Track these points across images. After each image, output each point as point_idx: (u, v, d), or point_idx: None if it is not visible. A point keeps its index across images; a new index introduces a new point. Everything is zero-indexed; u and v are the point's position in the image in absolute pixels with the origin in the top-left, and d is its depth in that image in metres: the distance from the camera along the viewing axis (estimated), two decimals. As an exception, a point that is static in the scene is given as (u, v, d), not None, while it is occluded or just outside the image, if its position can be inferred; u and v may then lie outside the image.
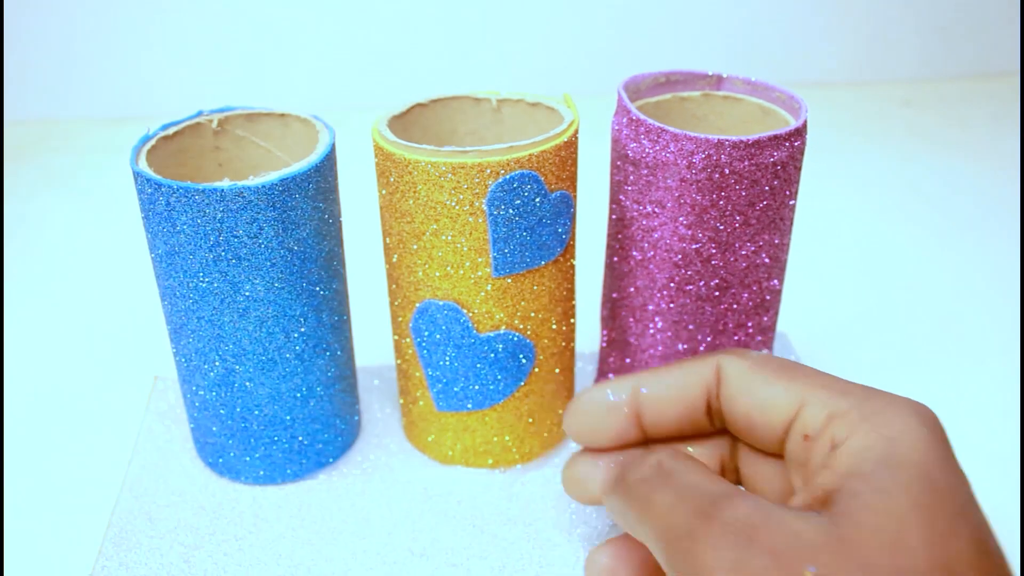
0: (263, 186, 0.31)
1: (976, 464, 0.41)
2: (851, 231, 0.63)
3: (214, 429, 0.37)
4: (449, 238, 0.34)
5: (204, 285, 0.33)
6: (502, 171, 0.32)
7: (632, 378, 0.29)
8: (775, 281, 0.39)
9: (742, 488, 0.25)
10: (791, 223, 0.38)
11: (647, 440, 0.30)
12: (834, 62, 0.87)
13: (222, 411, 0.37)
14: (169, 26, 0.80)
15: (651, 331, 0.39)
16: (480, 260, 0.34)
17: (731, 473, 0.30)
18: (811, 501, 0.23)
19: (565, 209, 0.35)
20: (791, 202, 0.37)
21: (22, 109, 0.82)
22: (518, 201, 0.33)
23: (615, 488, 0.27)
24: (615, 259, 0.39)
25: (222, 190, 0.31)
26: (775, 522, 0.22)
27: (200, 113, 0.37)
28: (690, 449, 0.30)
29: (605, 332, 0.42)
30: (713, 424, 0.29)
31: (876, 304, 0.54)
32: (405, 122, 0.37)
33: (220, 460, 0.39)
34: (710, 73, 0.40)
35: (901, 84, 0.87)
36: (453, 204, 0.33)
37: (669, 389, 0.28)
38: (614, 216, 0.39)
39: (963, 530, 0.22)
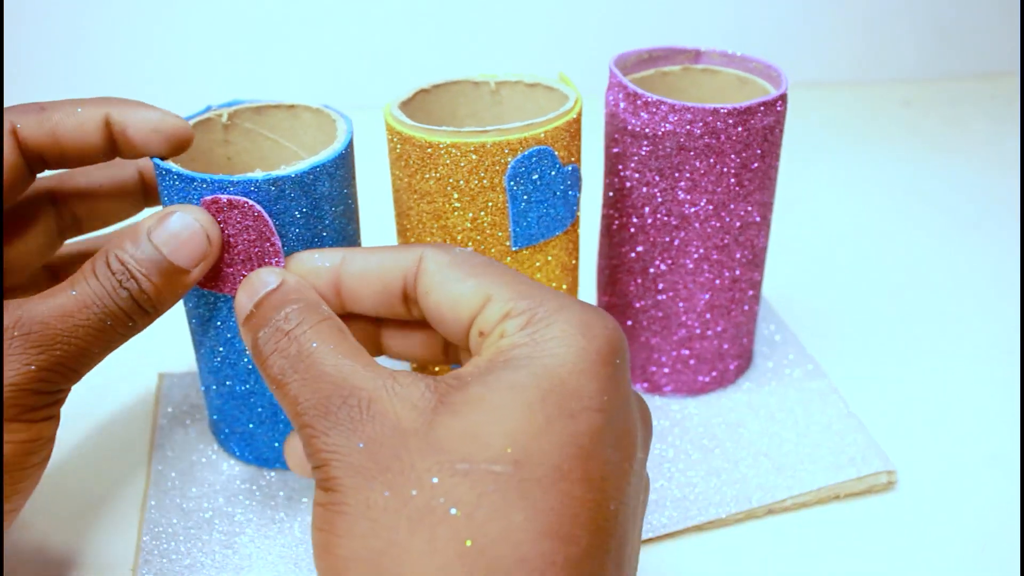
0: (296, 174, 0.32)
1: (976, 463, 0.42)
2: (851, 231, 0.62)
3: (245, 419, 0.38)
4: (470, 215, 0.35)
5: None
6: (521, 148, 0.34)
7: (344, 250, 0.30)
8: (763, 238, 0.41)
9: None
10: (775, 183, 0.41)
11: (345, 315, 0.30)
12: (834, 62, 0.86)
13: (252, 400, 0.37)
14: (169, 26, 0.78)
15: (651, 293, 0.41)
16: (500, 235, 0.36)
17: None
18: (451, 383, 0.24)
19: (575, 181, 0.37)
20: (776, 163, 0.40)
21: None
22: (535, 176, 0.35)
23: (245, 330, 0.28)
24: (614, 226, 0.41)
25: (256, 180, 0.32)
26: (379, 410, 0.23)
27: (209, 108, 0.37)
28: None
29: (605, 298, 0.44)
30: (411, 313, 0.29)
31: (876, 304, 0.54)
32: (410, 107, 0.38)
33: (249, 448, 0.39)
34: (688, 48, 0.43)
35: (901, 84, 0.86)
36: (474, 182, 0.35)
37: (369, 267, 0.29)
38: (614, 186, 0.41)
39: (564, 428, 0.22)
